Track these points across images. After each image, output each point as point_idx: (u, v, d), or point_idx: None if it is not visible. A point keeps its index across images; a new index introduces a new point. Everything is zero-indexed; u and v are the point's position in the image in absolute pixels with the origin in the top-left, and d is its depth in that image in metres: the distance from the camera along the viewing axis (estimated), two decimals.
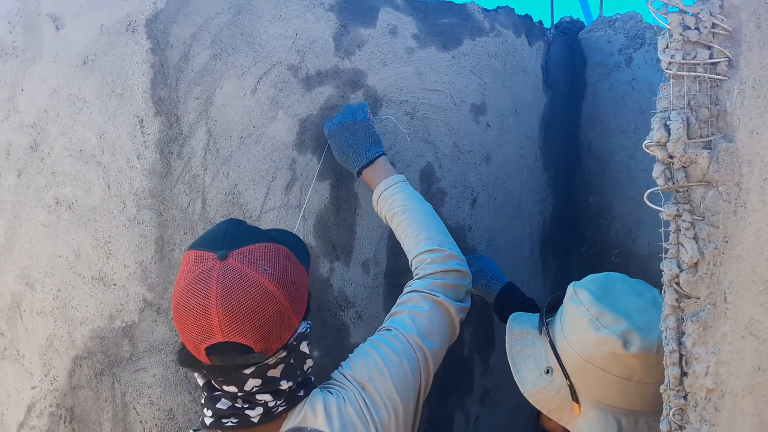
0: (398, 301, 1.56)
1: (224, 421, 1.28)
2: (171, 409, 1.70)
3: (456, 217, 2.05)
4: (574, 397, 1.25)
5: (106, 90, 1.65)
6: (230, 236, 1.28)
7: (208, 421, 1.30)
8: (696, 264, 1.00)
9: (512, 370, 1.35)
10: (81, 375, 1.70)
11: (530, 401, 1.32)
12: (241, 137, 1.69)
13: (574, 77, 2.46)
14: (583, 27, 2.51)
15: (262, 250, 1.26)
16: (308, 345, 1.33)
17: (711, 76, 0.99)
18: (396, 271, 1.93)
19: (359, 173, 1.74)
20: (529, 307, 1.68)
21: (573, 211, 2.51)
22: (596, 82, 2.42)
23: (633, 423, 1.22)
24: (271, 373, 1.27)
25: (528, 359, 1.35)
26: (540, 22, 2.30)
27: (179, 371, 1.69)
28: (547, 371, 1.30)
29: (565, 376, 1.26)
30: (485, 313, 2.17)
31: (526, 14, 2.22)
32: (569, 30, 2.49)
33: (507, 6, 2.15)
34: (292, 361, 1.30)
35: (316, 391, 1.36)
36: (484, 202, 2.11)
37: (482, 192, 2.10)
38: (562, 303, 1.39)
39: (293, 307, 1.27)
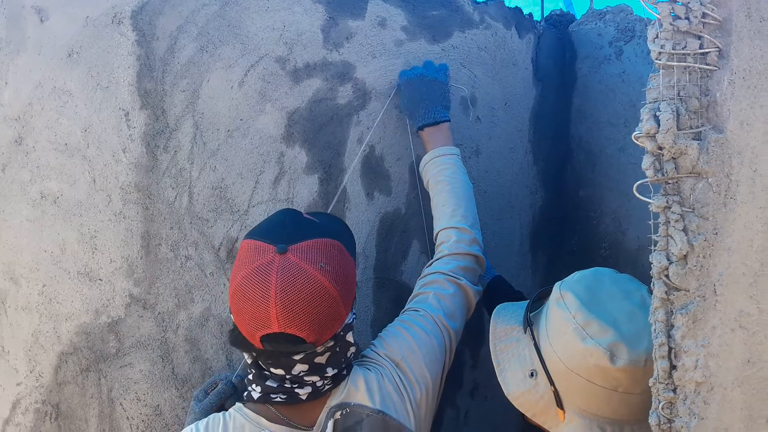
0: (423, 280, 1.65)
1: (273, 396, 1.36)
2: (158, 405, 1.68)
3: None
4: (559, 403, 1.23)
5: (91, 83, 1.63)
6: (288, 229, 1.34)
7: (255, 395, 1.37)
8: (685, 256, 0.99)
9: (496, 370, 1.33)
10: (67, 371, 1.68)
11: (514, 404, 1.30)
12: (229, 130, 1.67)
13: (564, 70, 2.45)
14: (573, 20, 2.50)
15: (319, 246, 1.32)
16: (353, 334, 1.41)
17: (701, 66, 0.98)
18: (385, 266, 1.92)
19: (421, 129, 1.82)
20: (517, 300, 1.67)
21: (563, 204, 2.51)
22: (586, 75, 2.41)
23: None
24: (317, 360, 1.35)
25: (512, 359, 1.33)
26: (530, 14, 2.29)
27: (165, 367, 1.68)
28: (532, 374, 1.28)
29: (550, 382, 1.23)
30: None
31: (516, 6, 2.21)
32: (559, 23, 2.48)
33: None
34: (337, 349, 1.37)
35: (355, 368, 1.44)
36: (475, 193, 2.10)
37: (472, 185, 2.09)
38: (548, 296, 1.37)
39: (344, 301, 1.33)
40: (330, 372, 1.37)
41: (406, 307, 1.62)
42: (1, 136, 1.68)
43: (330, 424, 1.35)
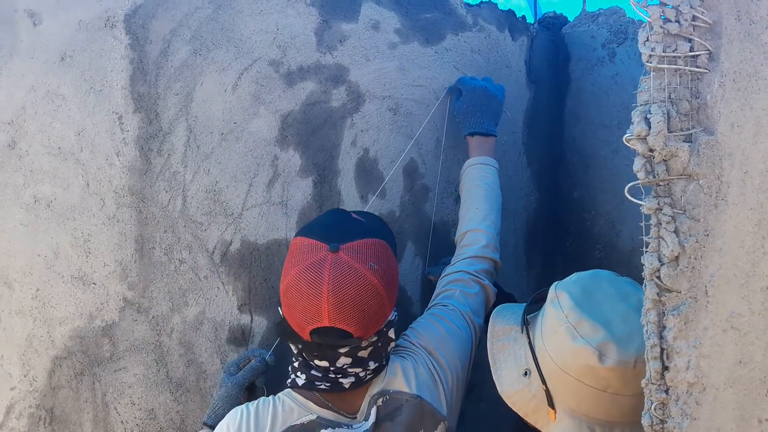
0: (449, 278, 1.72)
1: (317, 384, 1.42)
2: (152, 409, 1.68)
3: (440, 213, 2.04)
4: (550, 402, 1.23)
5: (84, 86, 1.63)
6: (338, 228, 1.42)
7: (300, 382, 1.43)
8: (677, 257, 1.00)
9: (492, 369, 1.34)
10: (61, 375, 1.67)
11: (507, 402, 1.30)
12: (222, 133, 1.67)
13: (557, 72, 2.45)
14: (566, 22, 2.51)
15: (369, 246, 1.39)
16: (394, 331, 1.48)
17: (691, 69, 0.98)
18: None
19: (471, 135, 1.92)
20: (509, 301, 1.68)
21: (557, 206, 2.51)
22: (580, 77, 2.41)
23: None
24: (361, 354, 1.42)
25: (508, 358, 1.33)
26: (523, 17, 2.30)
27: (160, 371, 1.67)
28: (525, 373, 1.28)
29: (542, 381, 1.24)
30: None
31: (509, 9, 2.22)
32: (553, 25, 2.49)
33: (490, 1, 2.14)
34: (380, 344, 1.44)
35: (392, 357, 1.51)
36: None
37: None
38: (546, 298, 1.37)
39: (390, 299, 1.40)
40: (372, 365, 1.44)
41: (433, 302, 1.69)
42: None
43: (373, 411, 1.42)
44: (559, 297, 1.26)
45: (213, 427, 1.53)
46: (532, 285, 2.43)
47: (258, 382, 1.63)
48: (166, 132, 1.64)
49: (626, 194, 1.02)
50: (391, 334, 1.47)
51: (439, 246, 2.02)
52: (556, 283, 1.33)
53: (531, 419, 1.27)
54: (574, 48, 2.43)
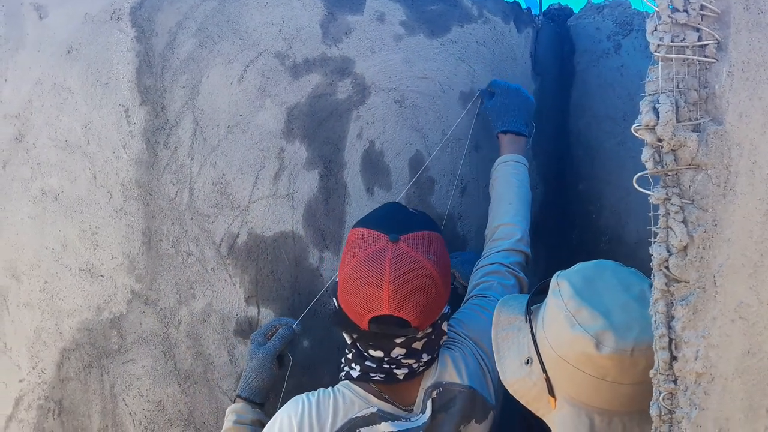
0: (485, 269, 1.74)
1: (372, 375, 1.45)
2: (160, 401, 1.69)
3: (446, 206, 2.04)
4: (551, 390, 1.23)
5: (90, 79, 1.63)
6: (397, 220, 1.46)
7: (354, 374, 1.46)
8: (685, 248, 0.99)
9: (495, 357, 1.34)
10: (69, 367, 1.68)
11: (509, 390, 1.30)
12: (228, 126, 1.68)
13: (562, 64, 2.45)
14: (571, 14, 2.50)
15: (427, 238, 1.43)
16: (447, 325, 1.51)
17: (700, 58, 0.98)
18: None
19: (503, 132, 1.96)
20: None
21: (562, 198, 2.51)
22: (585, 69, 2.41)
23: (607, 422, 1.19)
24: (415, 345, 1.44)
25: (511, 347, 1.33)
26: (528, 8, 2.29)
27: (168, 363, 1.68)
28: (527, 362, 1.28)
29: (543, 369, 1.23)
30: None
31: (515, 1, 2.21)
32: (558, 17, 2.48)
33: None
34: (433, 337, 1.46)
35: (441, 349, 1.53)
36: (473, 191, 2.10)
37: (472, 180, 2.10)
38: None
39: (445, 291, 1.43)
40: (425, 358, 1.46)
41: (471, 293, 1.71)
42: (2, 134, 1.69)
43: (429, 403, 1.44)
44: (560, 286, 1.26)
45: (247, 400, 1.57)
46: (537, 278, 2.43)
47: (285, 351, 1.65)
48: (172, 125, 1.64)
49: (634, 184, 1.02)
50: (444, 327, 1.49)
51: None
52: (558, 272, 1.33)
53: (532, 407, 1.27)
54: (580, 40, 2.42)
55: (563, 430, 1.21)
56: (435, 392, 1.46)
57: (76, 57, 1.63)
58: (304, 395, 1.44)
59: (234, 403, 1.59)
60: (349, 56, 1.81)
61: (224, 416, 1.58)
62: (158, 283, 1.67)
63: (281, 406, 1.47)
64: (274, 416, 1.45)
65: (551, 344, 1.23)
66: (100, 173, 1.64)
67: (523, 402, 1.29)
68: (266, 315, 1.74)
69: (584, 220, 2.46)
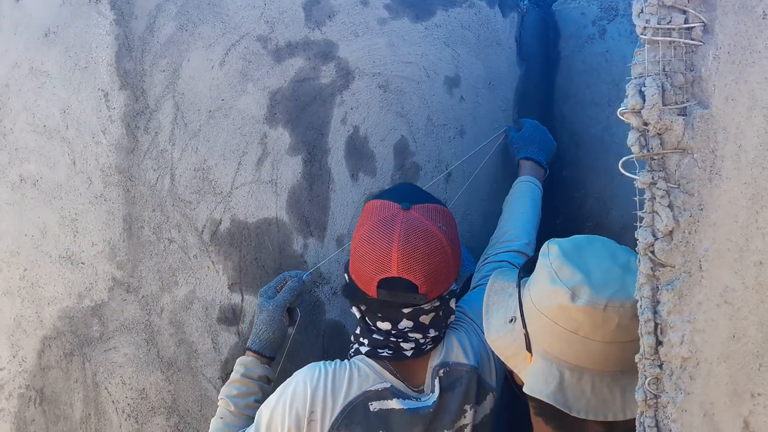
0: (493, 266, 1.75)
1: (380, 351, 1.47)
2: (143, 389, 1.67)
3: (431, 192, 2.03)
4: (528, 346, 1.26)
5: (69, 63, 1.60)
6: (409, 193, 1.52)
7: (363, 350, 1.49)
8: (671, 232, 0.99)
9: (483, 317, 1.38)
10: (50, 355, 1.66)
11: (491, 347, 1.35)
12: (210, 111, 1.65)
13: (548, 49, 2.43)
14: None
15: (438, 210, 1.47)
16: (456, 302, 1.52)
17: (686, 41, 0.97)
18: None
19: (525, 158, 2.07)
20: None
21: (547, 184, 2.51)
22: (570, 54, 2.40)
23: (577, 378, 1.21)
24: (422, 319, 1.46)
25: (499, 309, 1.38)
26: None
27: (150, 350, 1.66)
28: (511, 320, 1.32)
29: (523, 326, 1.27)
30: None
31: None
32: (543, 1, 2.47)
33: None
34: (441, 313, 1.48)
35: (447, 330, 1.55)
36: (458, 176, 2.10)
37: (457, 166, 2.09)
38: None
39: (454, 264, 1.46)
40: (431, 333, 1.47)
41: (479, 282, 1.74)
42: None
43: (436, 382, 1.46)
44: (550, 248, 1.30)
45: (257, 353, 1.58)
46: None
47: (295, 304, 1.65)
48: (152, 109, 1.61)
49: (620, 169, 1.01)
50: (452, 304, 1.51)
51: None
52: (551, 239, 1.37)
53: (510, 363, 1.30)
54: (565, 25, 2.41)
55: (534, 382, 1.22)
56: (442, 371, 1.48)
57: (54, 40, 1.60)
58: (321, 363, 1.47)
59: (245, 355, 1.59)
60: (333, 40, 1.79)
61: (217, 396, 1.58)
62: (140, 270, 1.65)
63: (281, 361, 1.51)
64: (288, 379, 1.46)
65: (532, 298, 1.27)
66: (79, 159, 1.61)
67: (502, 358, 1.32)
68: (250, 302, 1.72)
69: (569, 206, 2.46)
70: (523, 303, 1.30)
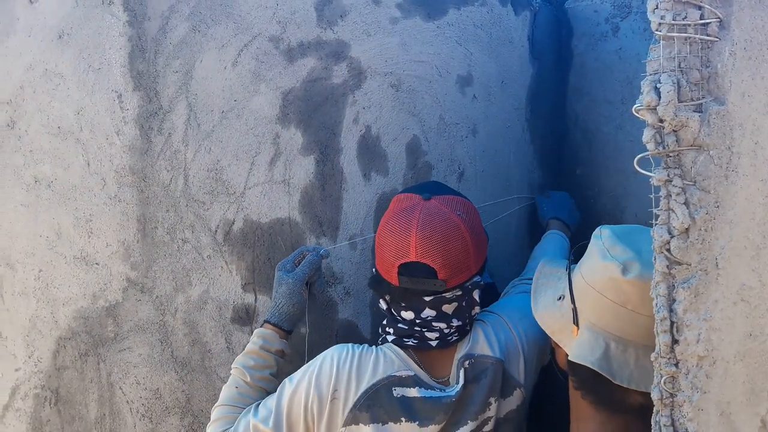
0: (521, 288, 1.81)
1: (405, 340, 1.49)
2: (158, 389, 1.68)
3: None
4: (575, 320, 1.30)
5: (83, 65, 1.61)
6: (433, 187, 1.56)
7: (390, 338, 1.51)
8: (687, 230, 0.98)
9: (532, 297, 1.44)
10: (65, 356, 1.67)
11: (538, 322, 1.39)
12: (223, 111, 1.66)
13: (560, 48, 2.42)
14: None
15: (459, 200, 1.51)
16: (479, 295, 1.52)
17: (702, 37, 0.97)
18: None
19: (554, 218, 2.16)
20: (493, 290, 1.84)
21: (560, 183, 2.50)
22: (583, 52, 2.39)
23: (622, 349, 1.24)
24: (445, 308, 1.47)
25: (548, 290, 1.43)
26: None
27: (165, 350, 1.67)
28: (560, 298, 1.37)
29: (572, 300, 1.31)
30: None
31: None
32: None
33: None
34: (464, 304, 1.49)
35: (475, 323, 1.57)
36: (471, 176, 2.09)
37: (469, 165, 2.08)
38: None
39: (475, 253, 1.48)
40: (455, 323, 1.48)
41: (507, 292, 1.83)
42: None
43: (461, 373, 1.47)
44: (602, 231, 1.35)
45: (276, 326, 1.57)
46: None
47: (312, 279, 1.65)
48: (166, 110, 1.62)
49: (635, 166, 1.01)
50: (476, 296, 1.51)
51: None
52: (602, 225, 1.42)
53: (556, 338, 1.35)
54: (577, 22, 2.40)
55: (579, 350, 1.26)
56: (467, 362, 1.48)
57: (68, 42, 1.61)
58: (350, 344, 1.50)
59: (263, 326, 1.58)
60: (345, 40, 1.79)
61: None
62: (154, 271, 1.66)
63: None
64: (318, 356, 1.49)
65: (582, 274, 1.32)
66: (93, 160, 1.62)
67: (548, 332, 1.38)
68: (263, 302, 1.72)
69: (582, 205, 2.45)
70: (572, 281, 1.34)
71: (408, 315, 1.48)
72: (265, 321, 1.59)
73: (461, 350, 1.51)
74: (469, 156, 2.08)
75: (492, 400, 1.48)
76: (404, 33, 1.88)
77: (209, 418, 1.59)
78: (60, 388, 1.68)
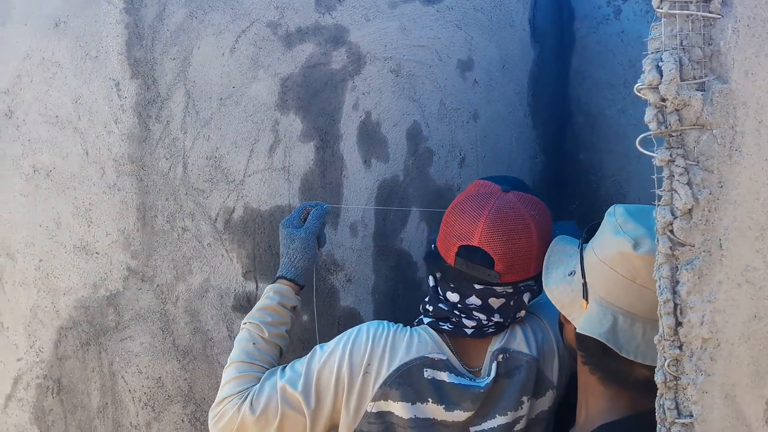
0: None
1: (441, 324, 1.48)
2: (160, 377, 1.68)
3: (444, 177, 2.01)
4: (585, 294, 1.30)
5: (80, 53, 1.60)
6: (515, 183, 1.54)
7: (426, 320, 1.51)
8: (690, 210, 0.97)
9: (543, 272, 1.43)
10: (67, 345, 1.67)
11: (548, 296, 1.39)
12: (221, 98, 1.65)
13: (562, 31, 2.40)
14: None
15: (537, 202, 1.50)
16: (529, 297, 1.51)
17: (704, 14, 0.95)
18: (384, 233, 1.90)
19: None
20: None
21: (563, 168, 2.48)
22: (585, 35, 2.37)
23: (629, 323, 1.24)
24: (491, 301, 1.46)
25: (560, 265, 1.42)
26: None
27: (166, 339, 1.67)
28: (570, 273, 1.37)
29: (582, 275, 1.32)
30: None
31: None
32: None
33: None
34: (511, 303, 1.48)
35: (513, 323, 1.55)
36: (472, 161, 2.07)
37: (471, 150, 2.07)
38: None
39: (538, 256, 1.46)
40: (496, 318, 1.47)
41: None
42: None
43: (494, 366, 1.46)
44: (615, 209, 1.36)
45: (293, 281, 1.56)
46: None
47: (320, 233, 1.64)
48: (164, 98, 1.61)
49: (638, 146, 0.99)
50: (525, 298, 1.50)
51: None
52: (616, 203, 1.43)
53: (565, 312, 1.35)
54: (579, 5, 2.38)
55: (587, 323, 1.27)
56: (501, 356, 1.47)
57: (64, 30, 1.59)
58: (385, 322, 1.51)
59: (278, 282, 1.56)
60: (343, 24, 1.77)
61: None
62: (154, 260, 1.65)
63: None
64: (351, 328, 1.49)
65: (594, 251, 1.33)
66: (92, 149, 1.61)
67: (558, 307, 1.38)
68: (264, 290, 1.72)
69: (585, 189, 2.44)
70: (584, 257, 1.35)
71: (453, 297, 1.48)
72: (280, 276, 1.56)
73: (496, 343, 1.50)
74: (470, 141, 2.06)
75: (525, 398, 1.47)
76: (404, 17, 1.86)
77: (211, 405, 1.59)
78: (62, 378, 1.68)
